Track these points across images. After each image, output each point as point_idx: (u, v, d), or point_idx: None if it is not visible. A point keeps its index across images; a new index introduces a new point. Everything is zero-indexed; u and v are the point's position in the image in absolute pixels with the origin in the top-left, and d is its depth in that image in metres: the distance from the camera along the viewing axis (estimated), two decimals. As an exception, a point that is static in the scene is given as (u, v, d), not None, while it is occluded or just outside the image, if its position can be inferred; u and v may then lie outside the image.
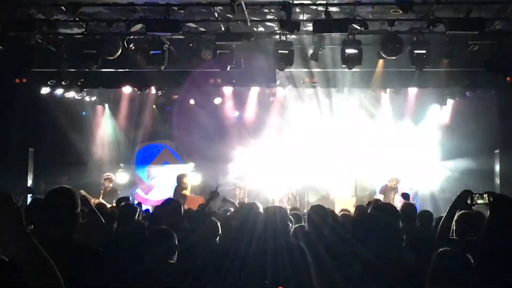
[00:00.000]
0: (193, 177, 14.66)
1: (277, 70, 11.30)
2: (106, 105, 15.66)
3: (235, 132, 15.42)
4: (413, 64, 10.57)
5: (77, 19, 9.86)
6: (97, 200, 11.73)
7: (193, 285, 4.15)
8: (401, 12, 9.25)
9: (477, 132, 13.29)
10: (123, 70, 12.08)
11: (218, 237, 5.76)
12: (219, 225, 5.86)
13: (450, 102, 14.44)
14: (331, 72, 12.10)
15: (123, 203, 7.32)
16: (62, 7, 9.21)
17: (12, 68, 11.89)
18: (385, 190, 13.24)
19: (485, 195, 4.35)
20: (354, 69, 10.70)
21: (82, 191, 10.83)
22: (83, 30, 10.15)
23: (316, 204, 5.84)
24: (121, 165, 15.57)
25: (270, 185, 14.25)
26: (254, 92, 14.55)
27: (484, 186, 11.31)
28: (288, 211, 5.92)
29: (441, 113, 14.73)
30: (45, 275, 2.13)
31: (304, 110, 14.65)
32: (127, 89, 14.10)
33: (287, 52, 10.38)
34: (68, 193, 3.24)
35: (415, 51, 10.38)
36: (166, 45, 10.57)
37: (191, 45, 11.17)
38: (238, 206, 7.68)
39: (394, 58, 10.34)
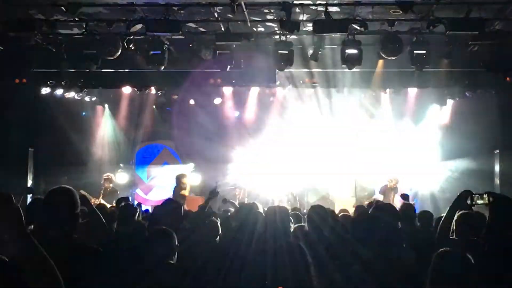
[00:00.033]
0: (193, 177, 14.68)
1: (277, 70, 11.30)
2: (106, 105, 15.65)
3: (235, 132, 15.41)
4: (413, 64, 10.58)
5: (77, 19, 9.86)
6: (97, 200, 11.73)
7: (193, 285, 4.15)
8: (401, 12, 9.24)
9: (477, 132, 13.29)
10: (123, 70, 12.09)
11: (218, 237, 5.76)
12: (219, 225, 5.86)
13: (450, 102, 14.44)
14: (331, 72, 12.10)
15: (123, 203, 7.32)
16: (62, 7, 9.20)
17: (12, 68, 11.89)
18: (384, 191, 13.24)
19: (485, 196, 4.35)
20: (354, 69, 10.70)
21: (82, 191, 10.83)
22: (83, 30, 10.15)
23: (316, 204, 5.85)
24: (121, 165, 15.56)
25: (270, 185, 14.26)
26: (254, 92, 14.54)
27: (484, 186, 11.32)
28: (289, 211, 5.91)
29: (441, 113, 14.72)
30: (45, 275, 2.13)
31: (304, 110, 14.64)
32: (127, 89, 14.09)
33: (287, 52, 10.38)
34: (68, 193, 3.24)
35: (415, 51, 10.38)
36: (166, 45, 10.57)
37: (191, 45, 11.17)
38: (238, 206, 7.68)
39: (394, 58, 10.34)
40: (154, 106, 15.69)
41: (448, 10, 9.47)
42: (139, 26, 9.86)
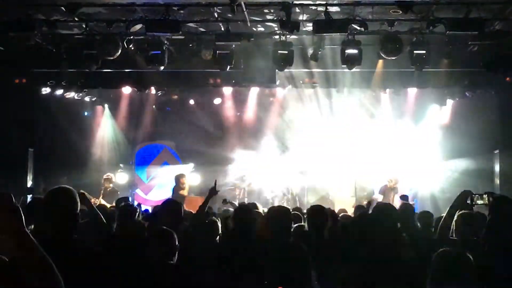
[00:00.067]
0: (193, 178, 14.68)
1: (276, 70, 11.30)
2: (106, 105, 15.65)
3: (234, 132, 15.42)
4: (413, 64, 10.57)
5: (77, 19, 9.84)
6: (97, 200, 11.72)
7: (193, 285, 4.15)
8: (400, 12, 9.23)
9: (477, 132, 13.29)
10: (123, 70, 12.08)
11: (218, 237, 5.76)
12: (219, 224, 5.86)
13: (449, 102, 14.44)
14: (331, 72, 12.10)
15: (122, 204, 7.32)
16: (62, 8, 9.20)
17: (12, 68, 11.89)
18: (384, 191, 13.24)
19: (485, 196, 4.37)
20: (354, 69, 10.70)
21: (82, 191, 10.81)
22: (83, 30, 10.14)
23: (315, 204, 5.85)
24: (121, 165, 15.56)
25: (270, 185, 14.26)
26: (253, 92, 14.55)
27: (484, 186, 11.33)
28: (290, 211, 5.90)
29: (441, 113, 14.73)
30: (45, 275, 2.13)
31: (304, 110, 14.65)
32: (127, 89, 14.10)
33: (286, 52, 10.38)
34: (68, 193, 3.24)
35: (415, 51, 10.37)
36: (166, 45, 10.57)
37: (191, 45, 11.17)
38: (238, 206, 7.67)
39: (394, 58, 10.33)
40: (154, 106, 15.69)
41: (448, 10, 9.46)
42: (139, 26, 9.85)
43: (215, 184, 5.98)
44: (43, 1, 9.34)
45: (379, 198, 12.89)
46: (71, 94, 13.63)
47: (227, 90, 14.41)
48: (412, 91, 14.03)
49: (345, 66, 10.43)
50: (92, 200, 10.71)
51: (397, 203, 10.82)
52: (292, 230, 5.20)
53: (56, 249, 2.53)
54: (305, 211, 8.27)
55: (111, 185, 12.85)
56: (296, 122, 15.05)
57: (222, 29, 10.22)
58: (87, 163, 14.86)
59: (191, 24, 10.38)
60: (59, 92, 13.30)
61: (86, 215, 5.45)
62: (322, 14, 9.36)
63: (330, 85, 12.84)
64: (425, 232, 5.94)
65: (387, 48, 10.11)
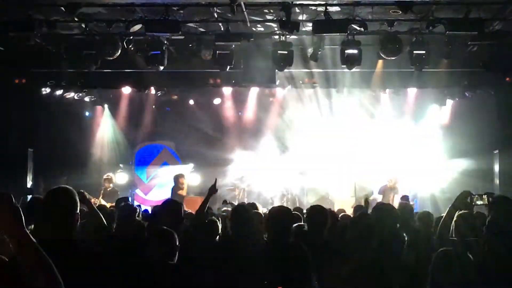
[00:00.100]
0: (193, 178, 14.69)
1: (276, 70, 11.29)
2: (106, 106, 15.64)
3: (234, 133, 15.42)
4: (413, 64, 10.58)
5: (76, 19, 9.85)
6: (97, 200, 11.72)
7: (193, 285, 4.15)
8: (400, 12, 9.24)
9: (476, 133, 13.29)
10: (122, 70, 12.08)
11: (218, 237, 5.76)
12: (219, 224, 5.86)
13: (449, 102, 14.44)
14: (331, 72, 12.10)
15: (122, 204, 7.31)
16: (62, 8, 9.20)
17: (12, 68, 11.90)
18: (384, 191, 13.23)
19: (484, 196, 4.36)
20: (353, 70, 10.70)
21: (82, 190, 10.81)
22: (83, 30, 10.14)
23: (315, 204, 5.84)
24: (121, 165, 15.56)
25: (269, 186, 14.26)
26: (253, 92, 14.54)
27: (484, 186, 11.32)
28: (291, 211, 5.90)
29: (441, 113, 14.73)
30: (44, 275, 2.13)
31: (303, 110, 14.65)
32: (126, 89, 14.10)
33: (286, 52, 10.38)
34: (67, 193, 3.23)
35: (415, 52, 10.38)
36: (166, 46, 10.57)
37: (190, 45, 11.16)
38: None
39: (393, 58, 10.35)
40: (153, 106, 15.69)
41: (448, 10, 9.47)
42: (138, 26, 9.86)
43: (215, 182, 5.98)
44: (43, 1, 9.34)
45: (378, 198, 12.88)
46: (71, 94, 13.63)
47: (227, 90, 14.41)
48: (412, 91, 14.03)
49: (345, 66, 10.43)
50: (92, 200, 10.72)
51: (396, 203, 10.82)
52: (292, 230, 5.20)
53: (56, 249, 2.53)
54: (305, 211, 8.28)
55: (111, 185, 12.85)
56: (296, 122, 15.05)
57: (222, 29, 10.22)
58: (87, 163, 14.86)
59: (191, 24, 10.39)
60: (59, 92, 13.31)
61: (86, 215, 5.45)
62: (322, 14, 9.37)
63: (330, 85, 12.84)
64: (425, 232, 5.93)
65: (386, 48, 10.11)
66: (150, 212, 8.64)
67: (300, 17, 9.85)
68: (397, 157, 14.25)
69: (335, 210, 9.45)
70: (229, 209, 8.51)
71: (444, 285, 3.11)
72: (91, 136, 15.46)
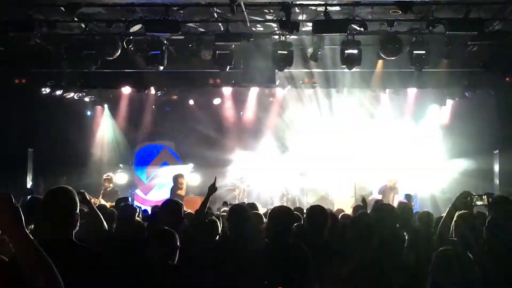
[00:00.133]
0: (192, 178, 14.69)
1: (276, 70, 11.29)
2: (106, 106, 15.65)
3: (234, 133, 15.41)
4: (413, 64, 10.58)
5: (76, 19, 9.85)
6: (97, 200, 11.72)
7: (193, 285, 4.15)
8: (400, 12, 9.24)
9: (476, 133, 13.30)
10: (122, 70, 12.08)
11: (218, 236, 5.76)
12: (218, 224, 5.86)
13: (449, 102, 14.45)
14: (331, 72, 12.10)
15: (122, 204, 7.31)
16: (62, 8, 9.20)
17: (12, 68, 11.90)
18: (384, 191, 13.22)
19: (484, 197, 4.37)
20: (353, 70, 10.70)
21: (82, 190, 10.81)
22: (83, 30, 10.14)
23: (315, 204, 5.84)
24: (121, 165, 15.55)
25: (269, 186, 14.26)
26: (253, 92, 14.54)
27: (484, 186, 11.32)
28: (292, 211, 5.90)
29: (441, 113, 14.73)
30: (44, 275, 2.13)
31: (303, 110, 14.64)
32: (126, 89, 14.10)
33: (286, 52, 10.38)
34: (67, 193, 3.23)
35: (415, 52, 10.38)
36: (166, 46, 10.56)
37: (190, 45, 11.16)
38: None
39: (393, 58, 10.35)
40: (153, 106, 15.69)
41: (448, 10, 9.47)
42: (138, 26, 9.86)
43: (215, 181, 5.97)
44: (43, 1, 9.34)
45: (378, 198, 12.88)
46: (71, 94, 13.63)
47: (227, 90, 14.41)
48: (412, 91, 14.03)
49: (344, 66, 10.43)
50: (92, 200, 10.72)
51: (396, 203, 10.82)
52: (292, 230, 5.20)
53: (56, 249, 2.53)
54: (305, 211, 8.28)
55: (111, 185, 12.85)
56: (295, 122, 15.04)
57: (222, 29, 10.22)
58: (87, 163, 14.85)
59: (190, 24, 10.39)
60: (59, 92, 13.30)
61: (86, 215, 5.45)
62: (322, 14, 9.37)
63: (329, 85, 12.85)
64: (425, 232, 5.94)
65: (386, 48, 10.11)
66: (149, 212, 8.65)
67: (300, 17, 9.84)
68: (397, 157, 14.24)
69: (334, 210, 9.45)
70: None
71: (444, 285, 3.11)
72: (91, 136, 15.46)
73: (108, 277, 3.12)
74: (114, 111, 15.51)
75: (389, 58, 10.37)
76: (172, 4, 9.27)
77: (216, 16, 9.78)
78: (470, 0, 9.11)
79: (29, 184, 13.25)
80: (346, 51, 10.17)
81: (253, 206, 7.39)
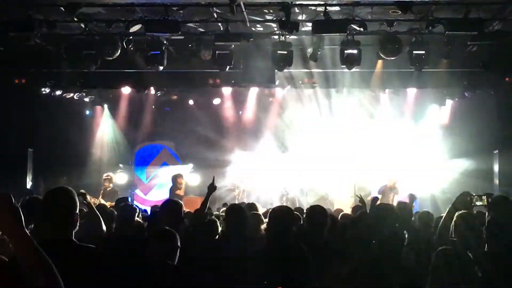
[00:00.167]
0: (192, 178, 14.69)
1: (276, 70, 11.29)
2: (106, 106, 15.65)
3: (234, 133, 15.42)
4: (412, 64, 10.58)
5: (76, 19, 9.85)
6: (97, 200, 11.72)
7: (193, 285, 4.15)
8: (400, 12, 9.24)
9: (476, 133, 13.31)
10: (122, 70, 12.08)
11: (217, 236, 5.76)
12: (218, 224, 5.86)
13: (449, 102, 14.45)
14: (331, 72, 12.09)
15: (122, 204, 7.31)
16: (62, 8, 9.20)
17: (12, 68, 11.89)
18: (384, 191, 13.23)
19: (484, 197, 4.37)
20: (353, 70, 10.70)
21: (82, 190, 10.80)
22: (83, 30, 10.14)
23: (315, 204, 5.85)
24: (120, 165, 15.56)
25: (269, 186, 14.25)
26: (253, 92, 14.55)
27: (483, 186, 11.33)
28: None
29: (440, 113, 14.74)
30: (45, 275, 2.13)
31: (303, 110, 14.64)
32: (126, 90, 14.10)
33: (286, 52, 10.38)
34: (67, 193, 3.24)
35: (414, 52, 10.38)
36: (165, 46, 10.56)
37: (190, 45, 11.16)
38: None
39: (393, 58, 10.34)
40: (153, 106, 15.69)
41: (447, 11, 9.47)
42: (138, 26, 9.86)
43: (213, 180, 5.97)
44: (43, 1, 9.34)
45: (375, 196, 12.88)
46: (71, 94, 13.63)
47: (227, 90, 14.42)
48: (412, 91, 14.04)
49: (344, 66, 10.43)
50: (92, 200, 10.72)
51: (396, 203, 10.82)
52: (292, 230, 5.20)
53: (56, 249, 2.53)
54: (305, 211, 8.28)
55: (111, 185, 12.85)
56: (295, 123, 15.04)
57: (222, 29, 10.22)
58: (86, 163, 14.86)
59: (190, 24, 10.39)
60: (59, 92, 13.31)
61: (86, 215, 5.46)
62: (322, 14, 9.37)
63: (329, 85, 12.84)
64: (425, 232, 5.94)
65: (386, 48, 10.11)
66: (149, 212, 8.65)
67: (300, 17, 9.84)
68: (397, 157, 14.25)
69: (334, 210, 9.44)
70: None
71: (444, 284, 3.11)
72: (91, 136, 15.46)
73: (108, 277, 3.12)
74: (114, 111, 15.51)
75: (388, 58, 10.37)
76: (172, 4, 9.27)
77: (216, 16, 9.78)
78: (470, 0, 9.12)
79: (29, 184, 13.25)
80: (345, 51, 10.17)
81: (252, 206, 7.38)
